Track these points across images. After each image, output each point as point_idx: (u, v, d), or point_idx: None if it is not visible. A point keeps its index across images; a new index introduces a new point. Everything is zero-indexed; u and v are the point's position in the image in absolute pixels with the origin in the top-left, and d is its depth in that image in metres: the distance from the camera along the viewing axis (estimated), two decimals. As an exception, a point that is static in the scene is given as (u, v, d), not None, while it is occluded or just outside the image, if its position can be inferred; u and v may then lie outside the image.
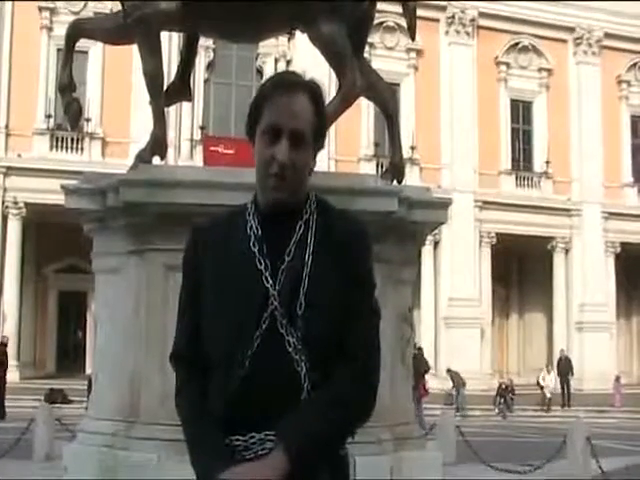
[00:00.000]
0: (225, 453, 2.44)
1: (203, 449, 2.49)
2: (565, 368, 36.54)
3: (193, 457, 2.53)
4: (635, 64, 48.06)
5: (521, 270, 48.83)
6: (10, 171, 36.98)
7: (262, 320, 2.45)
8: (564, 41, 46.70)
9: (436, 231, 28.73)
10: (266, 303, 2.47)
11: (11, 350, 35.90)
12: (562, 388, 35.86)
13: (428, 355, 31.54)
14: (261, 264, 2.51)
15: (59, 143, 38.04)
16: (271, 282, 2.49)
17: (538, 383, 35.43)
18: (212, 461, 2.42)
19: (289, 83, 2.58)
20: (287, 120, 2.52)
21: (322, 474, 2.43)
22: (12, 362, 35.89)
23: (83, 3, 38.45)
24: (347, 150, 40.29)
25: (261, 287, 2.48)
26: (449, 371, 33.21)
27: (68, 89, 7.96)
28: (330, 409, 2.42)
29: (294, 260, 2.51)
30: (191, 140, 39.73)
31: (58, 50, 34.82)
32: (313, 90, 2.59)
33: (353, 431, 2.53)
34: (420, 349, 31.58)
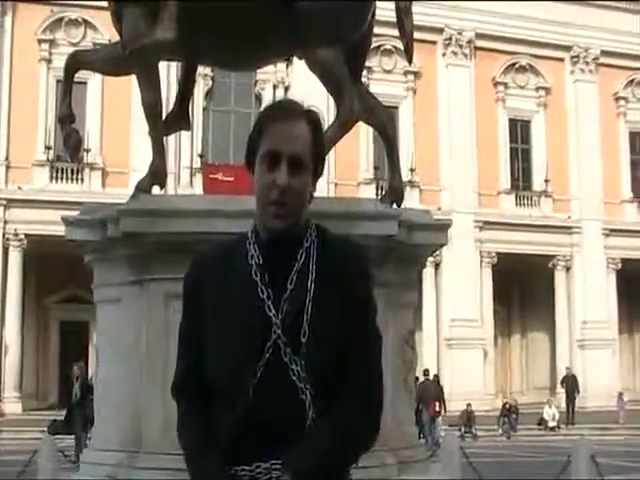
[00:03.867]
0: None
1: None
2: (571, 386, 36.41)
3: None
4: (632, 81, 48.24)
5: (522, 289, 48.77)
6: (11, 203, 37.08)
7: (265, 349, 2.46)
8: (561, 60, 46.90)
9: (437, 252, 28.73)
10: (269, 332, 2.47)
11: (13, 381, 35.94)
12: (567, 406, 35.69)
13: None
14: (263, 293, 2.51)
15: (59, 174, 38.15)
16: (274, 311, 2.49)
17: (541, 421, 35.05)
18: None
19: (287, 110, 2.61)
20: (286, 145, 2.54)
21: None
22: (15, 394, 35.91)
23: (82, 35, 38.66)
24: (346, 174, 40.35)
25: (264, 316, 2.49)
26: None
27: (67, 120, 7.99)
28: (335, 438, 2.43)
29: (296, 289, 2.51)
30: (190, 168, 39.81)
31: (57, 82, 35.04)
32: (311, 117, 2.62)
33: (358, 458, 2.55)
34: (436, 375, 32.11)
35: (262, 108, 2.68)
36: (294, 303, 2.50)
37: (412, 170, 40.90)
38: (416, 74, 43.38)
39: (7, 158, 37.66)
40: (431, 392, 28.66)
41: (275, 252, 2.57)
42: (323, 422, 2.44)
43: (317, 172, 2.64)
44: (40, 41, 38.57)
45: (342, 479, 2.54)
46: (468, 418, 31.54)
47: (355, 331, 2.52)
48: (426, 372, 30.22)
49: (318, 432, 2.43)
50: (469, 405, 31.87)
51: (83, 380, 21.82)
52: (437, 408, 28.62)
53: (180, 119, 8.27)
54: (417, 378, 27.57)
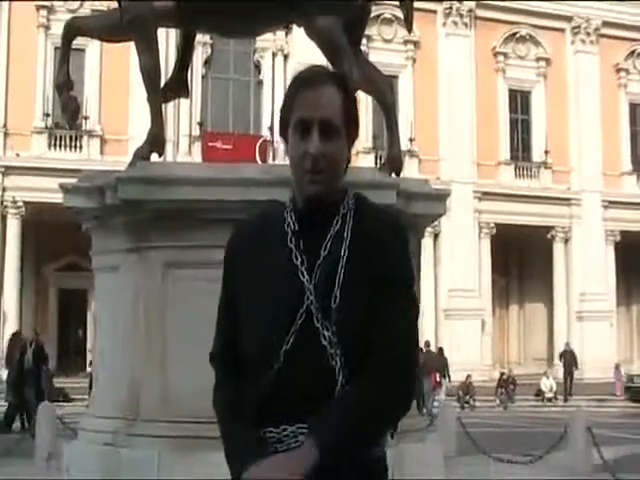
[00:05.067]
0: (258, 446, 2.44)
1: (236, 442, 2.49)
2: (569, 361, 36.48)
3: (227, 451, 2.53)
4: (633, 52, 48.04)
5: (521, 260, 48.83)
6: (9, 170, 36.99)
7: (298, 315, 2.46)
8: (562, 30, 46.67)
9: (435, 223, 28.76)
10: (302, 298, 2.47)
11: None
12: (565, 381, 35.76)
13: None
14: (297, 259, 2.51)
15: (57, 141, 38.04)
16: (307, 277, 2.49)
17: (538, 392, 35.21)
18: (244, 454, 2.43)
19: (314, 76, 2.58)
20: (315, 111, 2.51)
21: (350, 474, 2.41)
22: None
23: (80, 1, 38.44)
24: (345, 143, 40.23)
25: (297, 282, 2.49)
26: None
27: (66, 87, 7.96)
28: (364, 406, 2.41)
29: (330, 255, 2.51)
30: (189, 136, 39.70)
31: (55, 49, 34.82)
32: (339, 81, 2.59)
33: (388, 429, 2.53)
34: (440, 348, 32.39)
35: (290, 78, 2.64)
36: (327, 269, 2.49)
37: (411, 140, 40.81)
38: (416, 43, 43.18)
39: (5, 125, 37.55)
40: (435, 363, 29.19)
41: (311, 219, 2.56)
42: (352, 388, 2.43)
43: (351, 136, 2.61)
44: (38, 7, 38.34)
45: (370, 454, 2.51)
46: (467, 389, 31.69)
47: (388, 300, 2.49)
48: (427, 343, 30.58)
49: (347, 398, 2.42)
50: (469, 376, 32.00)
51: (39, 348, 21.15)
52: (437, 379, 28.97)
53: (179, 86, 8.24)
54: (421, 349, 28.08)
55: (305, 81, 2.57)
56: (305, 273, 2.49)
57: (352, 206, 2.60)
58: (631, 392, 30.29)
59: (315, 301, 2.46)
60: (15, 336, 25.43)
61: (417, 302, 2.63)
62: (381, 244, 2.53)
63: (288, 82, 2.66)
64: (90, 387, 16.46)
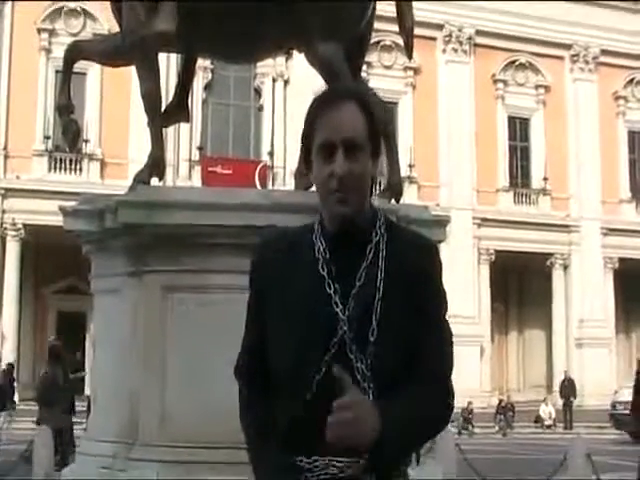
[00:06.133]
0: (289, 473, 2.43)
1: (267, 467, 2.49)
2: (568, 390, 36.27)
3: (257, 475, 2.53)
4: (632, 80, 48.22)
5: (520, 287, 48.79)
6: (9, 193, 37.03)
7: (331, 344, 2.43)
8: (561, 58, 46.87)
9: (435, 249, 28.69)
10: (335, 328, 2.44)
11: (10, 371, 35.87)
12: (564, 410, 35.55)
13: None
14: (330, 288, 2.48)
15: (58, 164, 38.09)
16: (341, 307, 2.46)
17: (537, 418, 35.15)
18: (278, 476, 2.44)
19: (333, 97, 2.57)
20: (338, 132, 2.49)
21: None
22: (11, 383, 35.81)
23: (82, 25, 38.63)
24: (345, 169, 40.32)
25: (331, 311, 2.46)
26: None
27: (66, 110, 7.99)
28: (421, 408, 2.43)
29: (365, 285, 2.48)
30: (189, 161, 39.76)
31: (56, 72, 34.94)
32: (359, 98, 2.57)
33: (429, 438, 2.58)
34: None
35: (311, 100, 2.61)
36: (362, 300, 2.46)
37: (411, 166, 40.88)
38: (416, 70, 43.34)
39: (5, 147, 37.61)
40: None
41: (343, 245, 2.53)
42: (401, 404, 2.41)
43: (376, 152, 2.58)
44: (40, 30, 38.49)
45: (400, 464, 2.52)
46: (468, 415, 31.67)
47: (428, 332, 2.49)
48: None
49: (398, 412, 2.38)
50: (470, 403, 31.99)
51: (71, 359, 18.57)
52: None
53: (179, 111, 8.27)
54: None
55: (325, 102, 2.55)
56: (339, 303, 2.46)
57: (384, 232, 2.57)
58: (614, 419, 30.11)
59: (349, 332, 2.44)
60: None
61: (451, 329, 2.61)
62: (418, 274, 2.51)
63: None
64: (89, 410, 16.28)
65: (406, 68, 42.90)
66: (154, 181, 7.73)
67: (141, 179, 7.45)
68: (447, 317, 2.58)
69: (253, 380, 2.63)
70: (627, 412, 19.81)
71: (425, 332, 2.48)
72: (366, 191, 2.55)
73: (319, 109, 2.54)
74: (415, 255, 2.54)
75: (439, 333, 2.54)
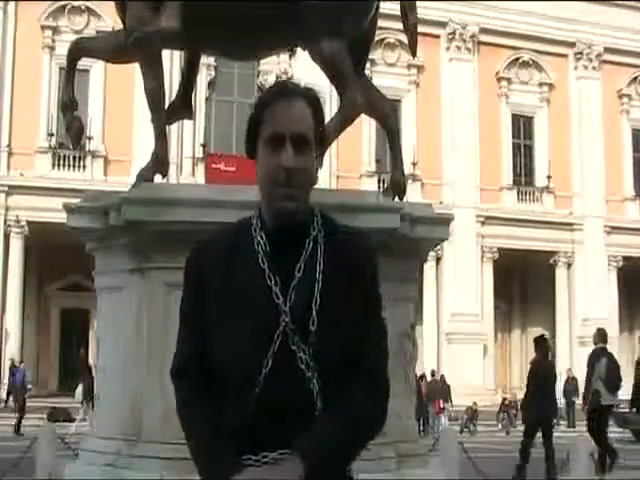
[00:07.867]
0: (240, 469, 2.40)
1: (217, 462, 2.45)
2: (571, 389, 36.20)
3: (205, 469, 2.50)
4: (636, 78, 48.21)
5: (523, 285, 48.78)
6: (12, 190, 37.11)
7: (274, 337, 2.44)
8: (565, 56, 46.85)
9: (438, 247, 28.74)
10: (277, 320, 2.46)
11: (13, 368, 35.91)
12: (567, 410, 35.45)
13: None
14: (271, 280, 2.49)
15: (61, 161, 38.15)
16: (282, 299, 2.47)
17: None
18: (228, 474, 2.40)
19: (286, 91, 2.58)
20: (288, 126, 2.50)
21: None
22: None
23: (85, 22, 38.64)
24: (349, 166, 40.35)
25: (272, 304, 2.47)
26: None
27: (70, 107, 7.98)
28: (345, 424, 2.43)
29: (305, 276, 2.50)
30: (193, 158, 39.80)
31: (60, 69, 34.95)
32: (310, 96, 2.59)
33: (365, 446, 2.54)
34: (442, 375, 33.29)
35: (264, 91, 2.65)
36: (302, 291, 2.48)
37: (414, 164, 40.86)
38: (419, 68, 43.36)
39: (9, 144, 37.67)
40: (438, 391, 31.34)
41: (282, 239, 2.54)
42: (333, 410, 2.43)
43: (320, 150, 2.61)
44: (43, 28, 38.57)
45: (346, 472, 2.54)
46: (472, 415, 31.77)
47: (364, 322, 2.52)
48: (433, 372, 33.06)
49: (328, 418, 2.42)
50: (475, 403, 32.16)
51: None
52: (441, 405, 31.08)
53: (183, 108, 8.27)
54: (423, 376, 29.28)
55: (277, 94, 2.57)
56: (279, 294, 2.48)
57: (321, 227, 2.59)
58: (617, 417, 29.95)
59: (291, 324, 2.45)
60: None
61: (385, 325, 2.65)
62: (360, 266, 2.55)
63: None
64: (92, 407, 16.32)
65: (410, 66, 42.91)
66: (157, 178, 7.72)
67: (145, 176, 7.44)
68: (381, 313, 2.62)
69: (195, 380, 2.61)
70: (630, 410, 19.69)
71: (363, 324, 2.51)
72: (311, 186, 2.58)
73: (271, 100, 2.56)
74: (352, 250, 2.58)
75: (376, 325, 2.58)
